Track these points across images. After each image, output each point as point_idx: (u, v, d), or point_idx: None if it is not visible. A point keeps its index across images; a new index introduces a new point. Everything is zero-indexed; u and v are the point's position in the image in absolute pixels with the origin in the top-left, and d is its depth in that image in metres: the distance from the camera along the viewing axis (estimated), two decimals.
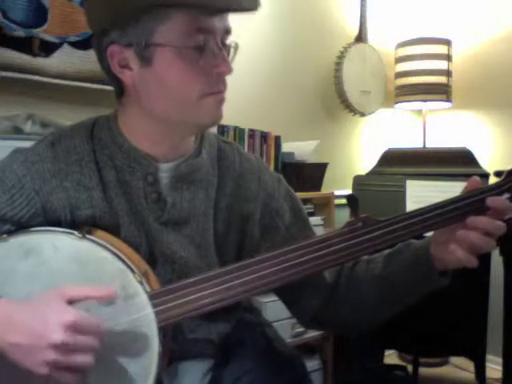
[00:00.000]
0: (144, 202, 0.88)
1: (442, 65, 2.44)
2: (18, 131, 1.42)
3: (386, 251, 0.91)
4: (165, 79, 0.81)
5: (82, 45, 1.62)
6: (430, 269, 0.84)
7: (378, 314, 0.94)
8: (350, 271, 0.94)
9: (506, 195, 0.79)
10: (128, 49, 0.81)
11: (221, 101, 0.85)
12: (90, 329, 0.73)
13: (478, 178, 0.81)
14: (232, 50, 0.86)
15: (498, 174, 0.82)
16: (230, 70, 0.83)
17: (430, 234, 0.85)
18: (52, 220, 0.85)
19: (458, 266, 0.80)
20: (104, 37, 0.82)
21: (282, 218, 0.99)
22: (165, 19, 0.78)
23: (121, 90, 0.88)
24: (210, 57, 0.81)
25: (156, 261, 0.89)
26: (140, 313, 0.79)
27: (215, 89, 0.83)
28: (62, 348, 0.70)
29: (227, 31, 0.84)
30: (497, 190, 0.80)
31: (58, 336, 0.69)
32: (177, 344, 0.88)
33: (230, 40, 0.86)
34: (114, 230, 0.86)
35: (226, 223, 0.95)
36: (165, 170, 0.90)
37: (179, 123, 0.86)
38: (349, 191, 2.12)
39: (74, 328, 0.71)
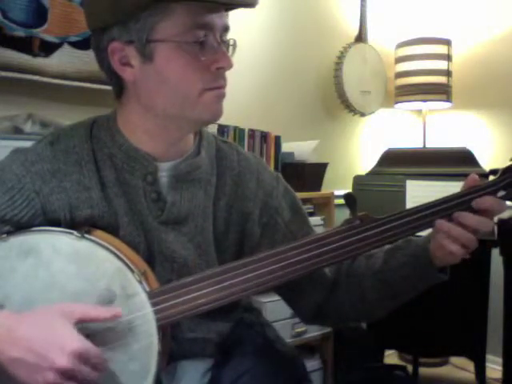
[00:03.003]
0: (143, 201, 0.88)
1: (441, 65, 2.44)
2: (18, 131, 1.42)
3: (386, 247, 0.91)
4: (166, 75, 0.82)
5: (82, 45, 1.62)
6: (428, 265, 0.85)
7: (378, 308, 0.94)
8: (350, 266, 0.95)
9: (502, 193, 0.80)
10: (129, 45, 0.81)
11: (221, 96, 0.85)
12: (94, 360, 0.73)
13: (476, 176, 0.81)
14: (231, 48, 0.87)
15: (493, 172, 0.82)
16: (230, 65, 0.84)
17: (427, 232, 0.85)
18: (52, 220, 0.86)
19: (453, 260, 0.82)
20: (104, 34, 0.82)
21: (282, 215, 0.99)
22: (165, 15, 0.78)
23: (120, 88, 0.88)
24: (209, 52, 0.81)
25: (155, 260, 0.89)
26: (139, 312, 0.79)
27: (215, 84, 0.84)
28: (64, 373, 0.70)
29: (226, 28, 0.84)
30: (493, 187, 0.80)
31: (63, 362, 0.69)
32: (176, 343, 0.88)
33: (228, 37, 0.86)
34: (113, 229, 0.87)
35: (225, 222, 0.96)
36: (164, 170, 0.90)
37: (179, 119, 0.86)
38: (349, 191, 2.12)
39: (80, 357, 0.71)
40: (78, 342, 0.71)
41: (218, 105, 0.86)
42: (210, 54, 0.81)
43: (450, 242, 0.79)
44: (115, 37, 0.81)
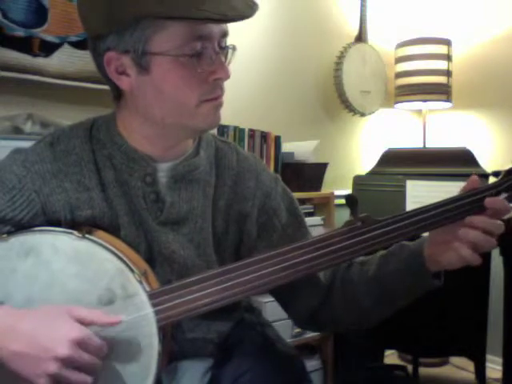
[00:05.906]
0: (143, 202, 0.88)
1: (441, 65, 2.44)
2: (18, 131, 1.42)
3: (380, 253, 0.91)
4: (162, 87, 0.81)
5: (82, 45, 1.62)
6: (423, 271, 0.84)
7: (372, 314, 0.94)
8: (345, 273, 0.94)
9: (504, 195, 0.79)
10: (125, 55, 0.80)
11: (218, 106, 0.85)
12: (95, 348, 0.73)
13: (476, 177, 0.81)
14: (230, 52, 0.85)
15: (496, 173, 0.82)
16: (227, 76, 0.83)
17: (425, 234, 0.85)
18: (52, 220, 0.86)
19: (462, 264, 0.80)
20: (100, 42, 0.81)
21: (279, 217, 0.99)
22: (162, 28, 0.77)
23: (118, 93, 0.88)
24: (207, 63, 0.80)
25: (155, 260, 0.89)
26: (139, 312, 0.79)
27: (212, 95, 0.83)
28: (66, 362, 0.70)
29: (224, 34, 0.83)
30: (495, 189, 0.80)
31: (64, 350, 0.70)
32: (176, 343, 0.88)
33: (227, 42, 0.85)
34: (113, 230, 0.87)
35: (224, 222, 0.96)
36: (163, 170, 0.90)
37: (177, 127, 0.86)
38: (349, 191, 2.12)
39: (80, 345, 0.71)
40: (77, 331, 0.72)
41: (215, 114, 0.85)
42: (208, 65, 0.80)
43: (462, 246, 0.77)
44: (111, 46, 0.80)
